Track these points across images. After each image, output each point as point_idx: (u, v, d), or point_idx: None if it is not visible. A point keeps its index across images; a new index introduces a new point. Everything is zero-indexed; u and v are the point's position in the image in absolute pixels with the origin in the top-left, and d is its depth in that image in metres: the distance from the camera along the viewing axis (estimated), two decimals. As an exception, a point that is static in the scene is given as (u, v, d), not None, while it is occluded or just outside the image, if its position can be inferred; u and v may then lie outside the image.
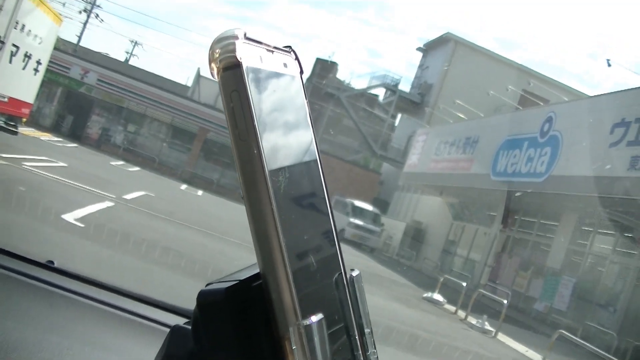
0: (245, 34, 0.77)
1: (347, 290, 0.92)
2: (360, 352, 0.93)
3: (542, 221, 25.99)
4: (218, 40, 0.76)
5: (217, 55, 0.75)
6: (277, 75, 0.85)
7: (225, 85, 0.75)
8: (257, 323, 0.80)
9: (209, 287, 0.82)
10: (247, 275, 0.83)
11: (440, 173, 33.02)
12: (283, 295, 0.76)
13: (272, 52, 0.85)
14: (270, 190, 0.75)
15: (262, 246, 0.76)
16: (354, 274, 0.97)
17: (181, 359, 0.84)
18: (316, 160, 0.92)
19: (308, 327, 0.75)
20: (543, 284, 23.29)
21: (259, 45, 0.81)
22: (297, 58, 0.92)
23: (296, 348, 0.75)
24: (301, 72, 0.92)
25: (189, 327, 0.85)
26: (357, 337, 0.93)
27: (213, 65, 0.75)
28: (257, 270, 0.81)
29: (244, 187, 0.76)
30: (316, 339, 0.76)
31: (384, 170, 46.05)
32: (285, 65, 0.88)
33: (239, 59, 0.74)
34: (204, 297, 0.80)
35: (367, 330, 0.96)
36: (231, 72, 0.74)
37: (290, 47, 0.91)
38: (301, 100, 0.92)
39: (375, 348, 0.98)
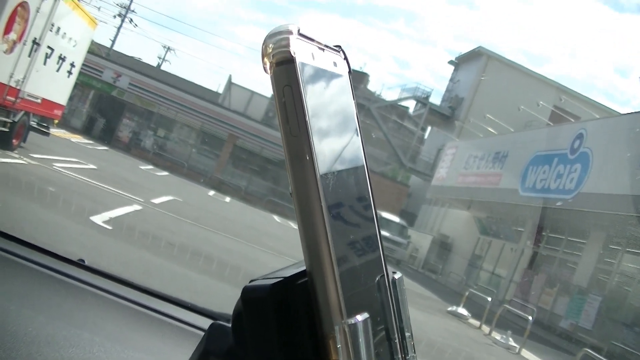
0: (299, 30, 0.76)
1: (389, 293, 0.91)
2: (401, 355, 0.92)
3: (569, 238, 25.75)
4: (271, 35, 0.75)
5: (270, 50, 0.74)
6: (328, 73, 0.84)
7: (278, 80, 0.74)
8: (301, 321, 0.79)
9: (253, 283, 0.80)
10: (292, 273, 0.82)
11: (468, 187, 32.90)
12: (329, 294, 0.75)
13: (323, 50, 0.84)
14: (320, 188, 0.73)
15: (310, 244, 0.75)
16: (396, 276, 0.96)
17: (219, 356, 0.83)
18: (364, 164, 0.91)
19: (354, 326, 0.74)
20: (569, 302, 23.07)
21: (311, 42, 0.80)
22: (346, 58, 0.91)
23: (341, 347, 0.74)
24: (349, 72, 0.91)
25: (228, 325, 0.85)
26: (397, 341, 0.92)
27: (266, 59, 0.74)
28: (302, 269, 0.80)
29: (293, 183, 0.74)
30: (361, 338, 0.75)
31: (412, 183, 45.92)
32: (335, 64, 0.87)
33: (292, 54, 0.73)
34: (248, 293, 0.79)
35: (407, 334, 0.95)
36: (284, 67, 0.73)
37: (339, 46, 0.90)
38: (350, 100, 0.91)
39: (415, 352, 0.97)
